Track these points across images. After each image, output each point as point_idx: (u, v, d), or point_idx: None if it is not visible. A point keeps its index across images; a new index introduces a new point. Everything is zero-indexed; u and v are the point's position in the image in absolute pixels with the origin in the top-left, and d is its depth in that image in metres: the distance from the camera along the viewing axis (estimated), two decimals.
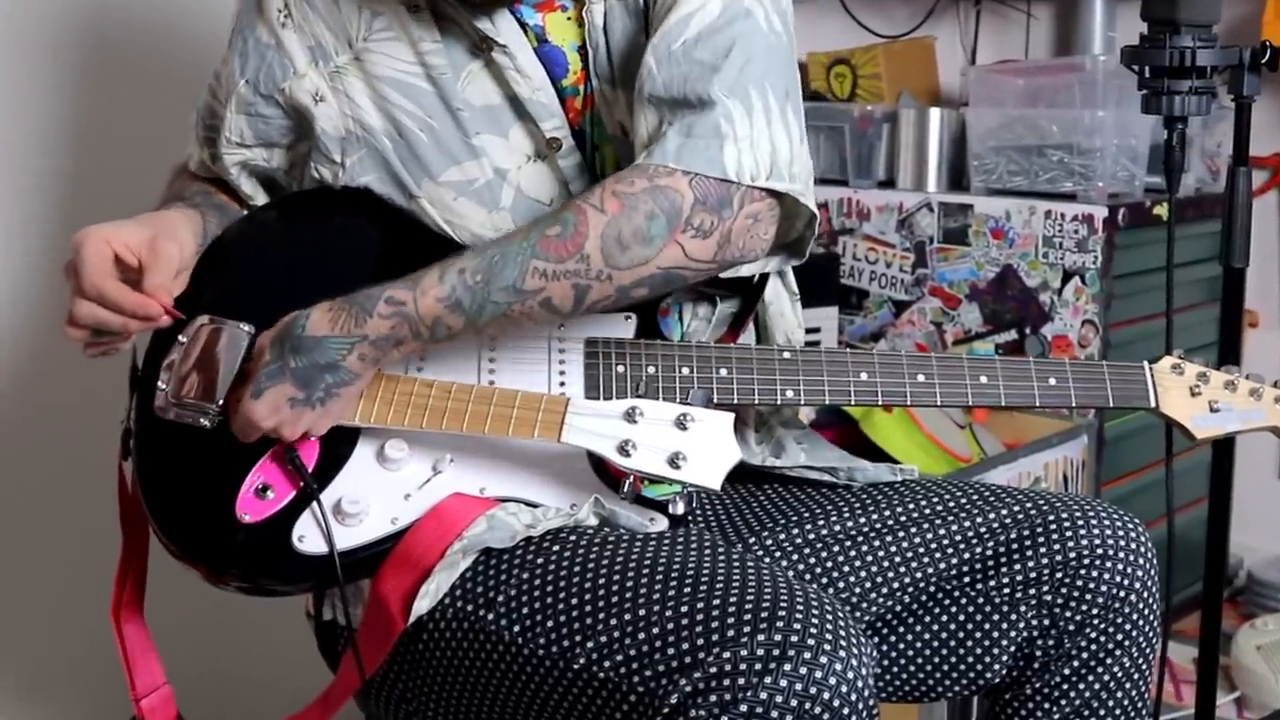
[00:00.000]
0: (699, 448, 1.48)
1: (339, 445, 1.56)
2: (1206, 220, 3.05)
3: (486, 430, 1.51)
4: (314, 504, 1.52)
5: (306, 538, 1.52)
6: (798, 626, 1.33)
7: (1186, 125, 1.99)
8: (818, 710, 1.31)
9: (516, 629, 1.47)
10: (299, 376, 1.50)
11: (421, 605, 1.49)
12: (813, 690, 1.31)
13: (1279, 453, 3.41)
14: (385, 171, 1.66)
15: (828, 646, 1.32)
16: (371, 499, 1.53)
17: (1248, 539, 3.24)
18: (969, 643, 1.66)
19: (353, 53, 1.65)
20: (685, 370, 1.60)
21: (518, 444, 1.55)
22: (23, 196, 2.28)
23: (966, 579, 1.65)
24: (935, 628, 1.67)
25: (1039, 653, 1.65)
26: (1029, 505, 1.66)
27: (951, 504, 1.68)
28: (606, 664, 1.41)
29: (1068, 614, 1.63)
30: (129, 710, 1.65)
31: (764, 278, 1.69)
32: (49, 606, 2.34)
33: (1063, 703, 1.65)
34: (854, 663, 1.33)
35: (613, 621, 1.42)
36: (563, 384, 1.59)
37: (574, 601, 1.45)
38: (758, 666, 1.32)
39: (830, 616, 1.36)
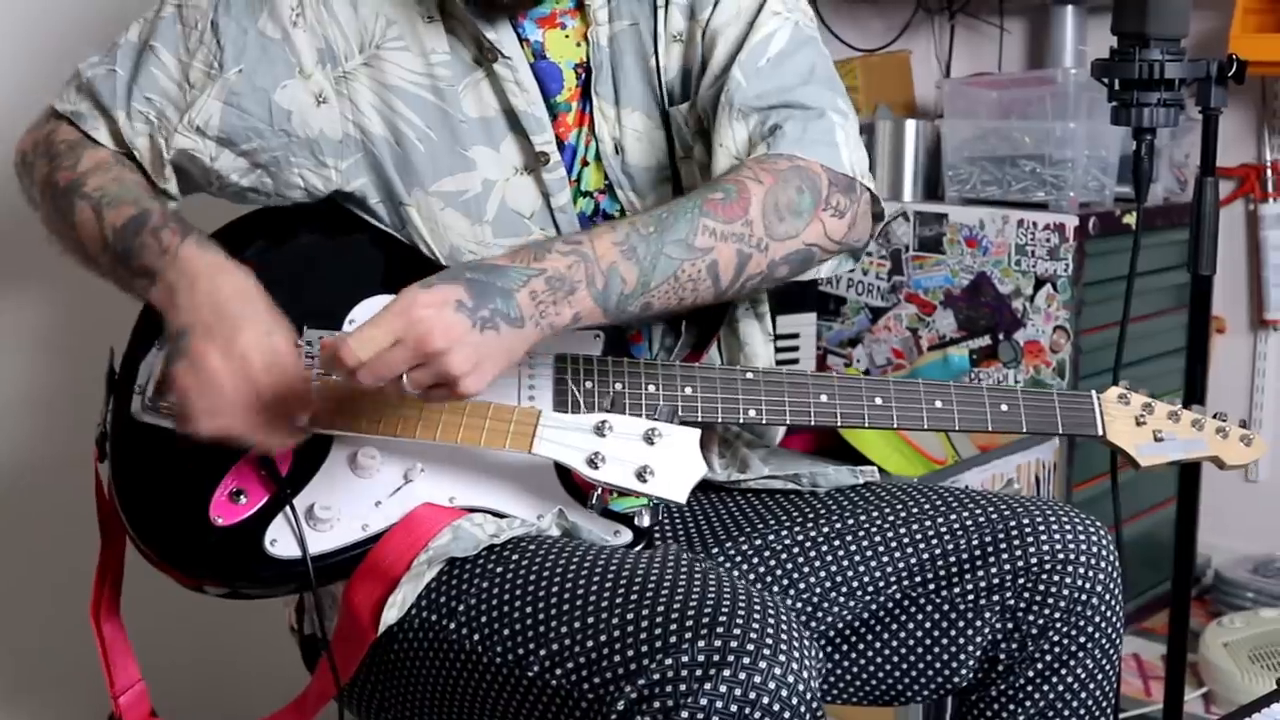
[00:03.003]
0: (666, 462, 1.47)
1: (312, 453, 1.54)
2: (1175, 229, 3.05)
3: (459, 440, 1.50)
4: (287, 508, 1.51)
5: (279, 541, 1.51)
6: (738, 632, 1.31)
7: (1155, 136, 1.99)
8: (758, 715, 1.29)
9: (476, 638, 1.47)
10: (473, 285, 1.38)
11: (390, 616, 1.48)
12: (752, 695, 1.29)
13: None
14: (377, 178, 1.64)
15: (767, 651, 1.31)
16: (343, 505, 1.52)
17: (1215, 539, 3.24)
18: (935, 648, 1.65)
19: (363, 58, 1.63)
20: (651, 388, 1.59)
21: (488, 454, 1.54)
22: None
23: (931, 585, 1.64)
24: (903, 634, 1.65)
25: (1003, 656, 1.64)
26: (991, 510, 1.65)
27: (915, 509, 1.66)
28: (558, 671, 1.40)
29: (1030, 618, 1.61)
30: (104, 706, 1.64)
31: None
32: (27, 604, 2.33)
33: (1027, 704, 1.64)
34: (794, 665, 1.31)
35: (563, 629, 1.41)
36: (532, 398, 1.58)
37: (528, 610, 1.44)
38: (698, 673, 1.30)
39: (773, 621, 1.34)
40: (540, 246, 1.44)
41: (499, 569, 1.49)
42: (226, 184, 1.65)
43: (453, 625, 1.49)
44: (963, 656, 1.64)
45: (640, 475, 1.47)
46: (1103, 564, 1.62)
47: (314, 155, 1.63)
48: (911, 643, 1.65)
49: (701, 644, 1.31)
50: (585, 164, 1.69)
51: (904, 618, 1.65)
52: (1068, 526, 1.62)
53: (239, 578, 1.53)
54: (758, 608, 1.35)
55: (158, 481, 1.55)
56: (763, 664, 1.30)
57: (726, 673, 1.29)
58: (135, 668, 1.66)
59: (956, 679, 1.65)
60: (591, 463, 1.47)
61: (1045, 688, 1.63)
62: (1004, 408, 1.65)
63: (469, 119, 1.63)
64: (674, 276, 1.48)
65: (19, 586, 2.34)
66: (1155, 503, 3.16)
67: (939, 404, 1.64)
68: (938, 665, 1.65)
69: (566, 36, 1.67)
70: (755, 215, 1.50)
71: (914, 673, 1.66)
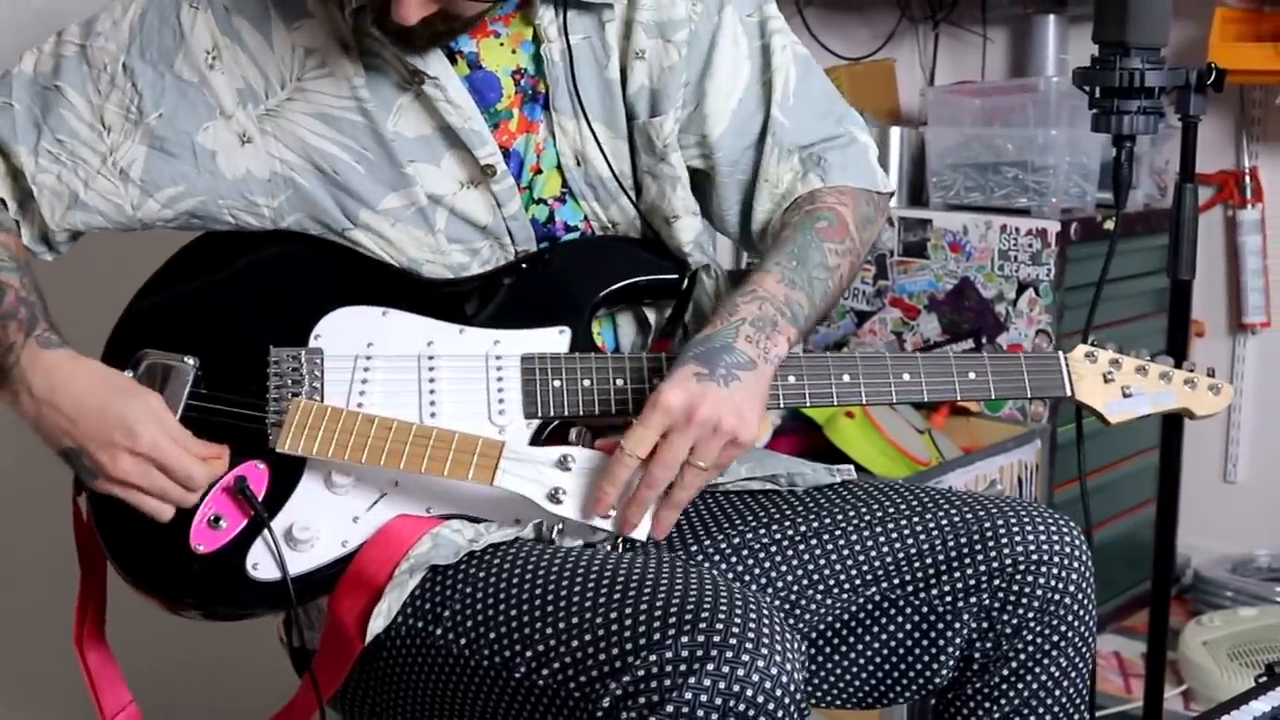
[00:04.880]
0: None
1: (287, 474, 1.54)
2: (1155, 234, 3.05)
3: (423, 470, 1.50)
4: (266, 531, 1.50)
5: (261, 565, 1.50)
6: (720, 627, 1.32)
7: (1134, 143, 1.99)
8: (742, 708, 1.29)
9: (463, 642, 1.46)
10: (698, 357, 1.49)
11: (376, 625, 1.47)
12: (736, 688, 1.29)
13: (1223, 456, 3.42)
14: (312, 211, 1.63)
15: (750, 645, 1.31)
16: (321, 524, 1.51)
17: (1194, 539, 3.24)
18: (916, 650, 1.64)
19: (286, 93, 1.61)
20: (620, 381, 1.58)
21: None
22: None
23: (910, 587, 1.62)
24: (884, 636, 1.64)
25: (977, 654, 1.63)
26: (966, 511, 1.63)
27: (891, 509, 1.65)
28: (545, 672, 1.40)
29: (1005, 617, 1.60)
30: None
31: (692, 282, 1.71)
32: (26, 621, 2.31)
33: (1002, 702, 1.63)
34: (778, 659, 1.31)
35: (548, 630, 1.40)
36: (501, 401, 1.57)
37: (513, 613, 1.44)
38: (682, 668, 1.30)
39: (755, 616, 1.34)
40: (726, 308, 1.54)
41: (481, 573, 1.49)
42: (151, 227, 1.64)
43: (439, 631, 1.48)
44: (942, 658, 1.63)
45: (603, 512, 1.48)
46: (1076, 564, 1.61)
47: (243, 195, 1.62)
48: (893, 644, 1.64)
49: (685, 639, 1.31)
50: (538, 171, 1.68)
51: (884, 619, 1.64)
52: (1041, 527, 1.61)
53: (223, 603, 1.53)
54: (739, 603, 1.35)
55: (137, 513, 1.53)
56: (746, 658, 1.30)
57: (710, 667, 1.29)
58: (125, 691, 1.64)
59: (937, 680, 1.64)
60: (553, 497, 1.47)
61: (1020, 686, 1.62)
62: (972, 375, 1.64)
63: (403, 138, 1.62)
64: (825, 294, 1.61)
65: (17, 604, 2.31)
66: (1135, 503, 3.16)
67: (907, 376, 1.63)
68: (919, 667, 1.64)
69: (501, 44, 1.65)
70: (853, 230, 1.66)
71: (896, 673, 1.65)
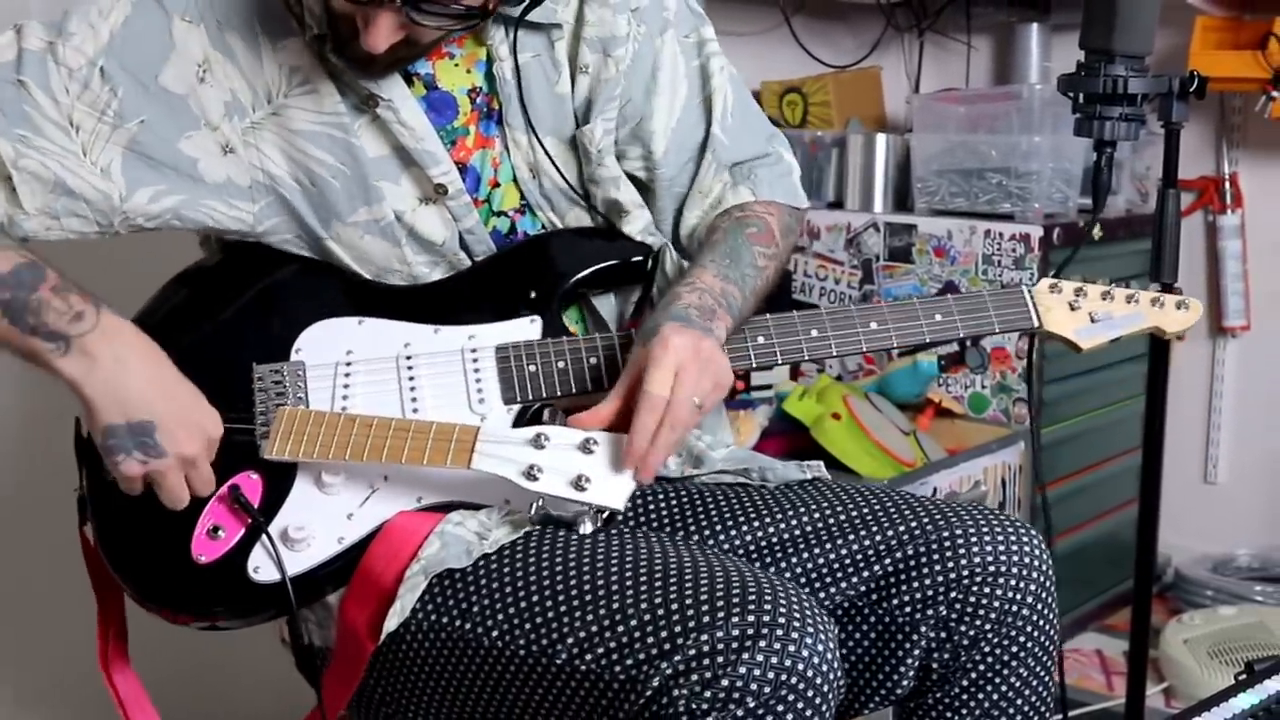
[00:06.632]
0: (603, 471, 1.49)
1: (279, 480, 1.55)
2: (1136, 239, 3.06)
3: (404, 461, 1.51)
4: (263, 536, 1.52)
5: (261, 568, 1.52)
6: (768, 608, 1.36)
7: (1115, 149, 1.99)
8: (793, 681, 1.34)
9: (495, 634, 1.47)
10: (672, 322, 1.52)
11: (391, 624, 1.49)
12: (787, 663, 1.34)
13: (1204, 457, 3.43)
14: (291, 217, 1.65)
15: (796, 625, 1.35)
16: (316, 523, 1.53)
17: (1175, 539, 3.25)
18: (879, 659, 1.63)
19: (271, 108, 1.62)
20: (593, 360, 1.61)
21: None
22: None
23: (874, 595, 1.62)
24: (850, 644, 1.64)
25: (936, 665, 1.62)
26: (925, 520, 1.62)
27: (855, 516, 1.65)
28: (588, 657, 1.42)
29: (962, 629, 1.59)
30: None
31: (655, 262, 1.74)
32: (55, 628, 2.30)
33: (963, 712, 1.63)
34: (822, 637, 1.37)
35: (589, 617, 1.43)
36: (480, 390, 1.60)
37: (549, 602, 1.45)
38: (734, 646, 1.34)
39: (795, 600, 1.38)
40: (669, 297, 1.59)
41: (505, 568, 1.50)
42: (134, 223, 1.62)
43: (467, 625, 1.49)
44: (902, 669, 1.62)
45: (577, 484, 1.48)
46: (1034, 574, 1.60)
47: (224, 199, 1.62)
48: (860, 651, 1.64)
49: (735, 619, 1.36)
50: (495, 185, 1.71)
51: (851, 628, 1.64)
52: (1000, 537, 1.60)
53: (229, 609, 1.54)
54: (780, 588, 1.40)
55: (140, 533, 1.54)
56: (795, 635, 1.35)
57: (763, 644, 1.34)
58: (153, 711, 1.66)
59: (898, 691, 1.64)
60: (529, 475, 1.48)
61: (980, 696, 1.62)
62: (938, 317, 1.67)
63: (367, 156, 1.64)
64: (754, 290, 1.64)
65: (46, 609, 2.31)
66: (1117, 504, 3.16)
67: (874, 325, 1.65)
68: (881, 676, 1.64)
69: (456, 65, 1.68)
70: (779, 236, 1.72)
71: (861, 682, 1.65)
